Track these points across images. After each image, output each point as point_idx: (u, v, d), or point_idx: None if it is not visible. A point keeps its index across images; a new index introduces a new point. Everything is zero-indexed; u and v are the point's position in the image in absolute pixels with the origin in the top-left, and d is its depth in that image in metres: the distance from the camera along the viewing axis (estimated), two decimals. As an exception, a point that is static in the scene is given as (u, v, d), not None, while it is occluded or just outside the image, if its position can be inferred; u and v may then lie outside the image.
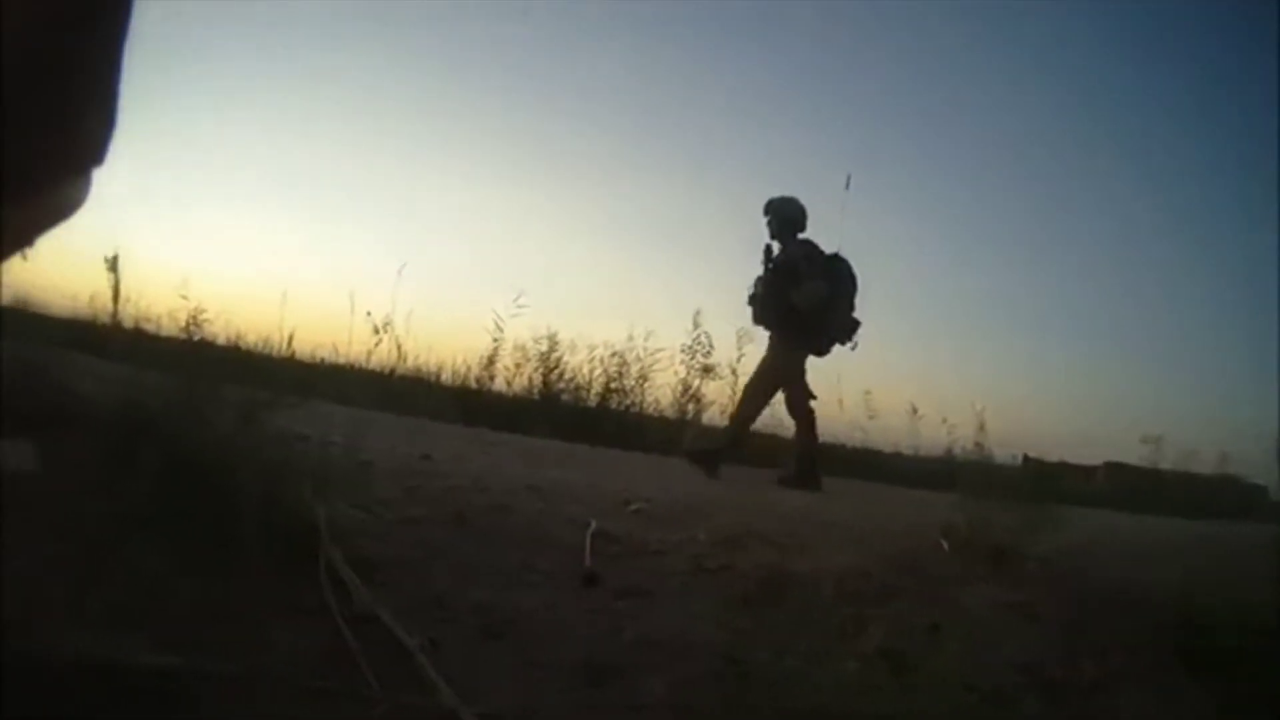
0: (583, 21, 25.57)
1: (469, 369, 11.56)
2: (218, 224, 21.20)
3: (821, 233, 7.74)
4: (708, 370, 11.30)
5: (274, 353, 9.51)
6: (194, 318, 6.11)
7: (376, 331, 10.40)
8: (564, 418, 10.48)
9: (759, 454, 8.88)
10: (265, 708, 2.51)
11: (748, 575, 3.65)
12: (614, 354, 11.48)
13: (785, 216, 7.59)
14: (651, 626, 3.10)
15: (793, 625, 3.05)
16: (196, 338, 5.66)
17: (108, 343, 6.94)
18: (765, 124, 27.29)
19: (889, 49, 26.57)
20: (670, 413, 11.43)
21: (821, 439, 10.50)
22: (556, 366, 11.36)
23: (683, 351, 11.50)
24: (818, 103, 27.27)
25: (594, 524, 4.02)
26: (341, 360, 10.64)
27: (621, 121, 28.74)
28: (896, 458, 11.28)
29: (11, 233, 0.64)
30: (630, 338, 11.57)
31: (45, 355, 4.66)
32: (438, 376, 11.32)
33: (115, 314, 8.31)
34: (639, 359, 11.54)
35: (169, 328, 7.25)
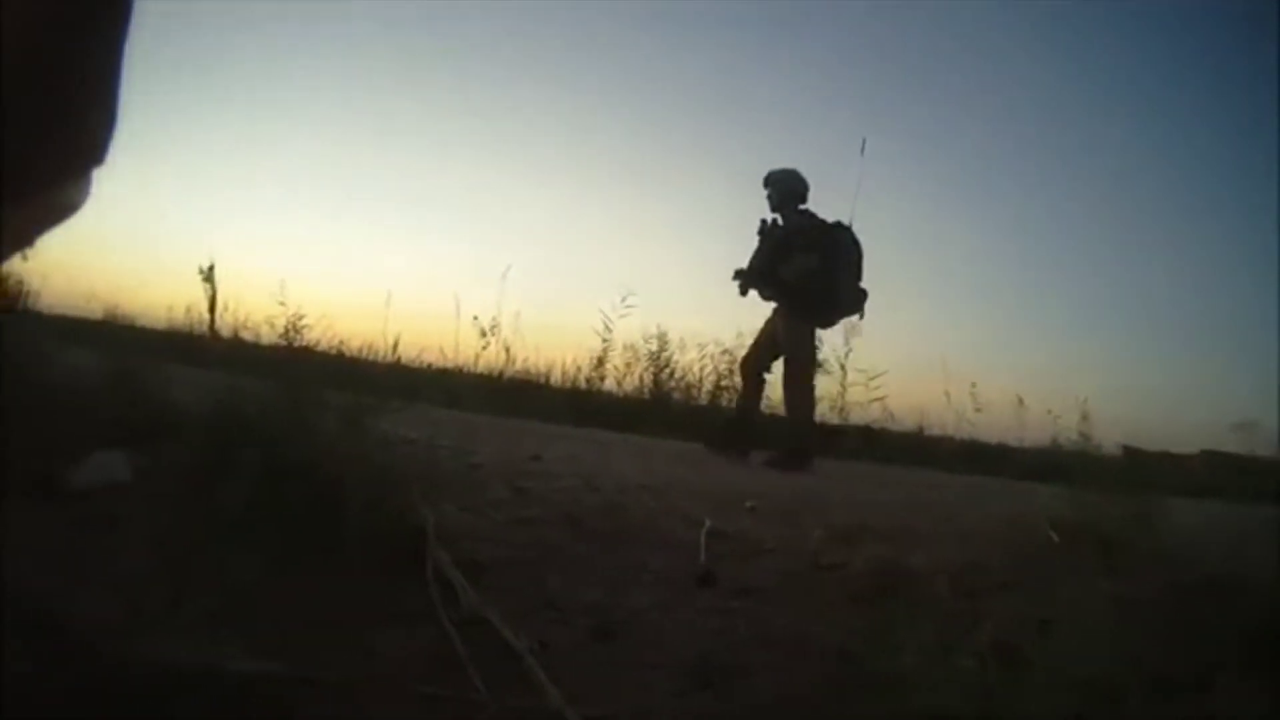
0: (676, 19, 25.43)
1: (579, 370, 11.54)
2: (317, 231, 21.60)
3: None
4: (818, 367, 10.68)
5: (379, 358, 9.62)
6: (293, 324, 6.16)
7: (483, 334, 10.46)
8: (675, 416, 10.35)
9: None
10: (370, 714, 2.50)
11: (862, 571, 3.55)
12: (724, 351, 11.26)
13: (785, 189, 7.45)
14: (766, 625, 3.04)
15: (906, 621, 2.87)
16: (296, 344, 5.68)
17: (205, 352, 7.04)
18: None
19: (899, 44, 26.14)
20: (780, 409, 10.99)
21: (930, 431, 10.94)
22: (667, 365, 11.30)
23: None
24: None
25: (709, 522, 3.89)
26: (449, 364, 10.67)
27: (719, 119, 28.50)
28: (1002, 449, 10.94)
29: (11, 233, 0.64)
30: (739, 334, 10.79)
31: (139, 366, 4.63)
32: (547, 378, 11.29)
33: (213, 323, 8.45)
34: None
35: (268, 335, 7.33)
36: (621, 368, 11.52)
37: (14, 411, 3.91)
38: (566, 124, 29.32)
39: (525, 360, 11.19)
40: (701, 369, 11.49)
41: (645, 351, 11.46)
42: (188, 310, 9.50)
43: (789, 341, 7.39)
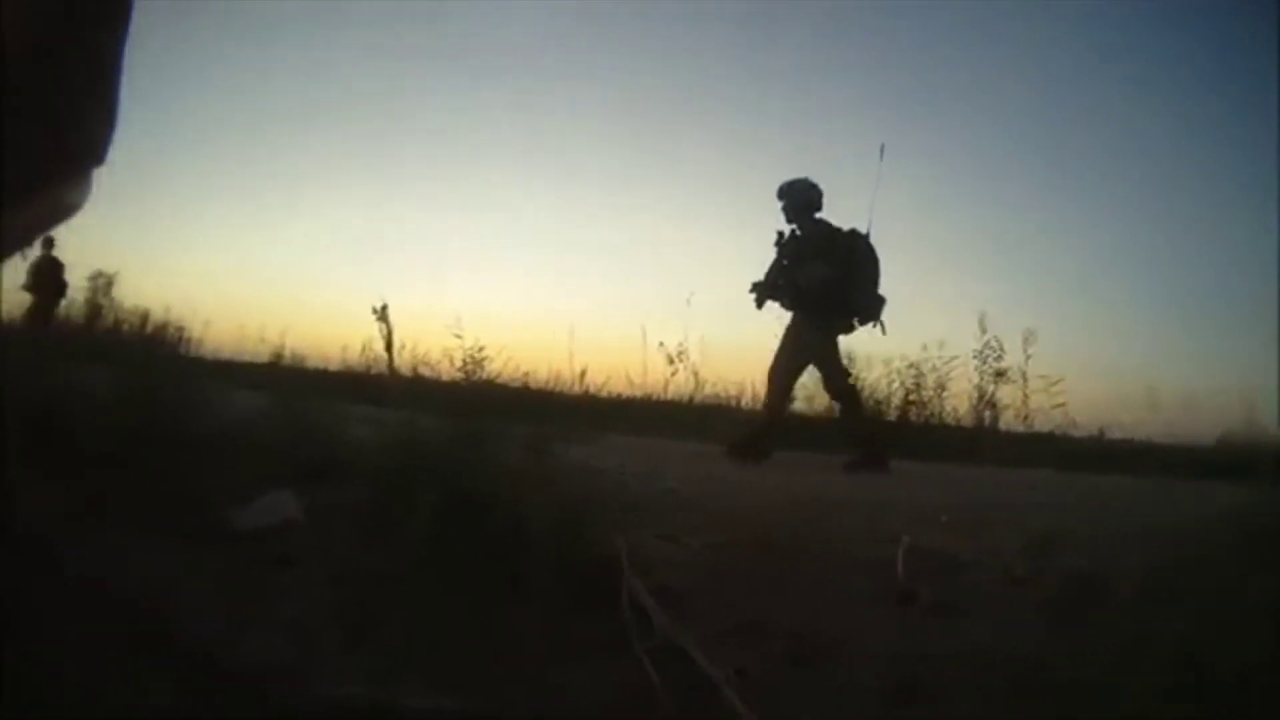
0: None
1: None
2: (496, 265, 22.37)
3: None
4: (1000, 375, 11.27)
5: (566, 389, 9.84)
6: (473, 357, 6.16)
7: (671, 361, 10.55)
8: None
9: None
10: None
11: (1056, 583, 3.45)
12: (910, 365, 11.44)
13: (799, 199, 7.63)
14: (964, 642, 2.96)
15: (1100, 633, 2.87)
16: (477, 377, 5.66)
17: (383, 389, 7.19)
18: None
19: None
20: (968, 421, 11.40)
21: (1111, 436, 10.79)
22: (855, 382, 11.03)
23: (974, 357, 11.47)
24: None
25: (907, 539, 3.82)
26: (637, 392, 10.79)
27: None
28: (1179, 448, 10.48)
29: (11, 233, 0.64)
30: (924, 347, 11.50)
31: (311, 406, 4.64)
32: (737, 401, 11.32)
33: (391, 361, 8.73)
34: (934, 369, 11.50)
35: (449, 370, 7.42)
36: (810, 386, 11.38)
37: (181, 454, 3.98)
38: (736, 151, 29.59)
39: (714, 384, 11.27)
40: (889, 385, 11.60)
41: None
42: (363, 350, 9.92)
43: (812, 350, 7.58)
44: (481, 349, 6.41)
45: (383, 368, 8.72)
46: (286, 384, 5.87)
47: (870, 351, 11.45)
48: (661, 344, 10.94)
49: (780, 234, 7.68)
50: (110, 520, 3.70)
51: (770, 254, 7.80)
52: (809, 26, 27.58)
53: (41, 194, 0.64)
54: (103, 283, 13.19)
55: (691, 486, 4.74)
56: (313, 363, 10.09)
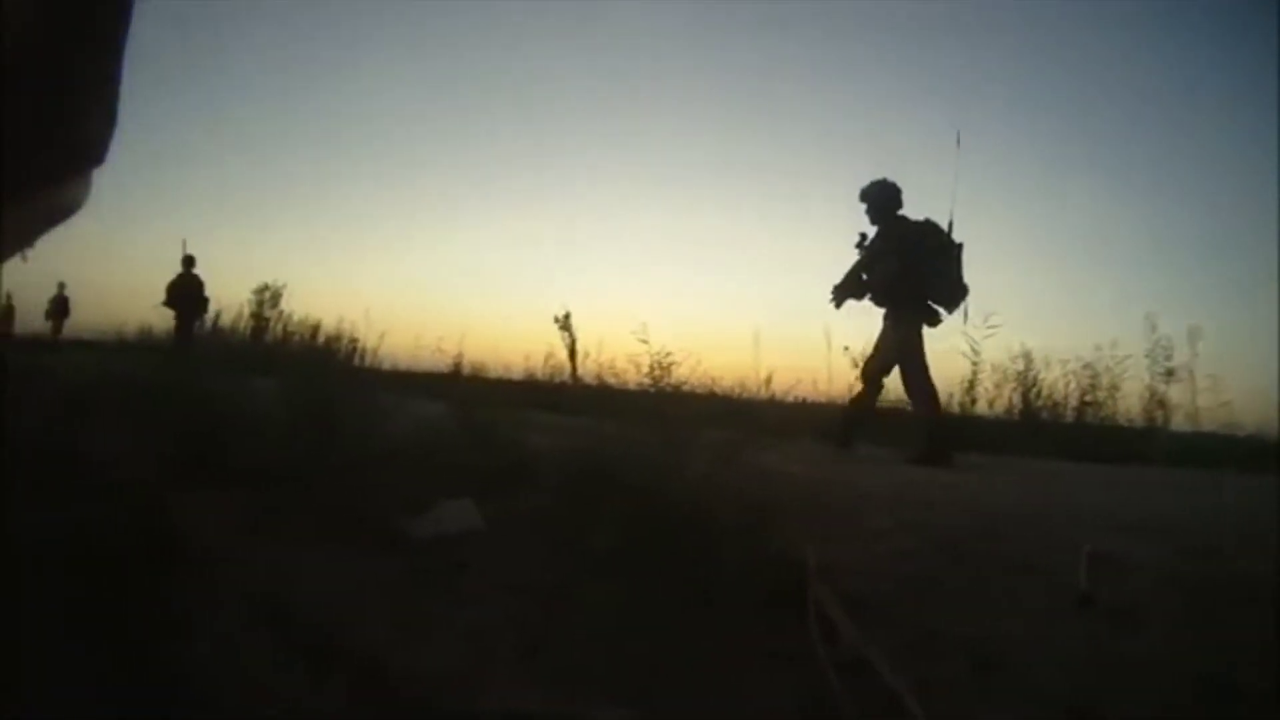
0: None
1: (951, 394, 11.51)
2: (680, 271, 22.88)
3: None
4: (1170, 374, 11.19)
5: (753, 395, 9.88)
6: (659, 363, 6.12)
7: (855, 365, 10.55)
8: (1044, 435, 10.39)
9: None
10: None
11: (1226, 586, 3.38)
12: (1085, 365, 11.47)
13: (879, 200, 7.85)
14: (1140, 648, 2.90)
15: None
16: (664, 384, 5.62)
17: (567, 397, 7.25)
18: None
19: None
20: (1140, 422, 11.32)
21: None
22: (1034, 384, 11.56)
23: (1145, 357, 11.39)
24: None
25: (1089, 545, 3.74)
26: (821, 397, 10.81)
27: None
28: None
29: (11, 233, 0.63)
30: (1097, 347, 11.48)
31: (491, 415, 4.62)
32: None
33: (574, 369, 8.82)
34: (1108, 369, 11.45)
35: (634, 378, 7.44)
36: (991, 389, 11.79)
37: (357, 466, 4.03)
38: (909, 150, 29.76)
39: (895, 389, 11.34)
40: (1066, 385, 11.61)
41: (1012, 372, 11.76)
42: (546, 358, 10.12)
43: (891, 344, 7.77)
44: (668, 354, 6.39)
45: (566, 376, 8.82)
46: (466, 393, 5.93)
47: (1049, 353, 11.63)
48: (846, 348, 10.83)
49: (862, 235, 7.94)
50: (284, 534, 3.77)
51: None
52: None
53: (41, 194, 0.64)
54: (269, 295, 13.64)
55: (877, 491, 4.63)
56: (494, 372, 10.35)
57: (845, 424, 8.00)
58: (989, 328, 10.64)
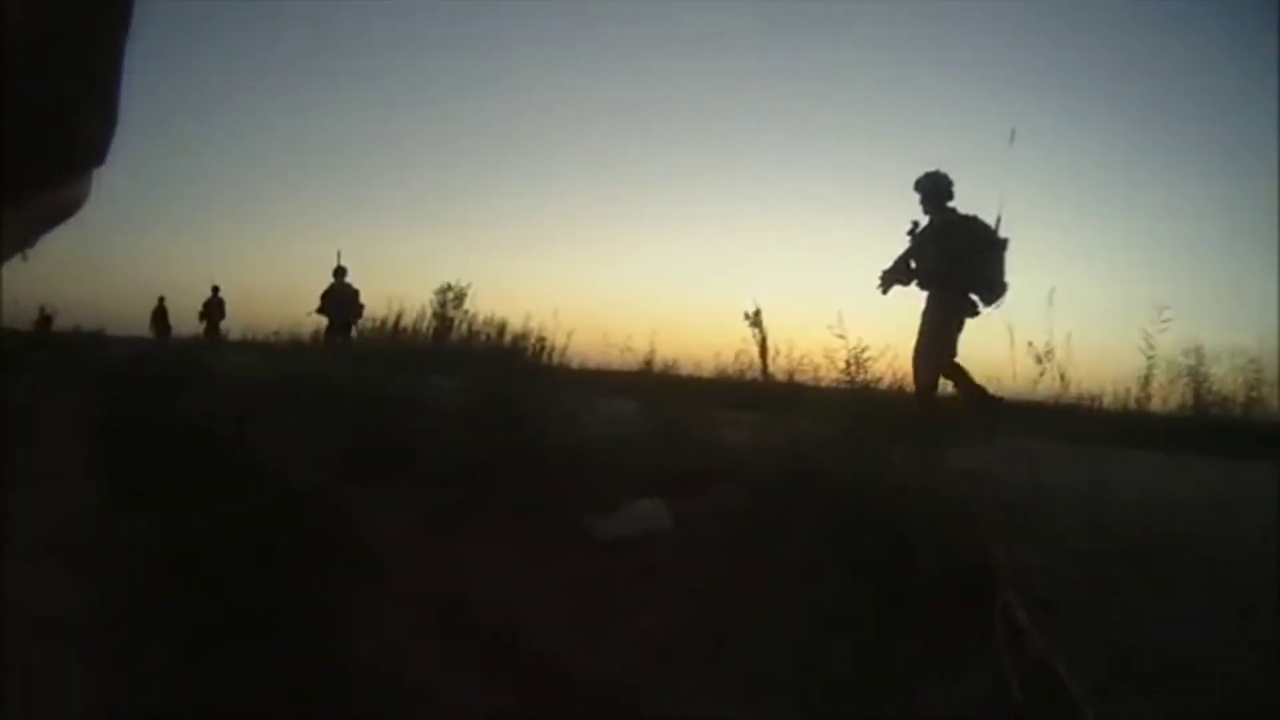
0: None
1: (1129, 390, 10.94)
2: (874, 263, 22.64)
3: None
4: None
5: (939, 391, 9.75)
6: (855, 358, 5.98)
7: (1039, 361, 10.17)
8: (1211, 432, 9.82)
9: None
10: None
11: None
12: (1250, 360, 10.55)
13: (932, 190, 7.94)
14: None
15: None
16: (860, 380, 5.48)
17: (756, 394, 7.21)
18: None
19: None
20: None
21: None
22: (1205, 380, 10.69)
23: None
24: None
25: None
26: (1005, 393, 10.62)
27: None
28: None
29: (11, 233, 0.57)
30: (1259, 340, 10.43)
31: (683, 413, 4.59)
32: (1099, 401, 11.00)
33: (765, 367, 8.77)
34: (1273, 363, 10.38)
35: (828, 374, 7.33)
36: (1165, 385, 11.04)
37: (542, 465, 4.08)
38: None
39: (1079, 384, 11.04)
40: (1234, 380, 10.71)
41: (1184, 367, 10.68)
42: (736, 356, 10.10)
43: (940, 327, 7.80)
44: (864, 349, 6.25)
45: (757, 373, 8.80)
46: (656, 391, 5.90)
47: (1217, 347, 10.83)
48: (1030, 344, 10.48)
49: (914, 224, 8.11)
50: (465, 533, 3.81)
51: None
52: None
53: (41, 194, 0.58)
54: (453, 295, 13.88)
55: (1063, 492, 4.47)
56: (684, 370, 10.33)
57: (927, 422, 7.40)
58: (1163, 321, 10.29)
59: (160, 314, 24.80)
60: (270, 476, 5.72)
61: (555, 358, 9.61)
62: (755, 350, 8.79)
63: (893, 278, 8.05)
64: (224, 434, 7.80)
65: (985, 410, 7.67)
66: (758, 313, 8.99)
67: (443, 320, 13.60)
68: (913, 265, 8.06)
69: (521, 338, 11.31)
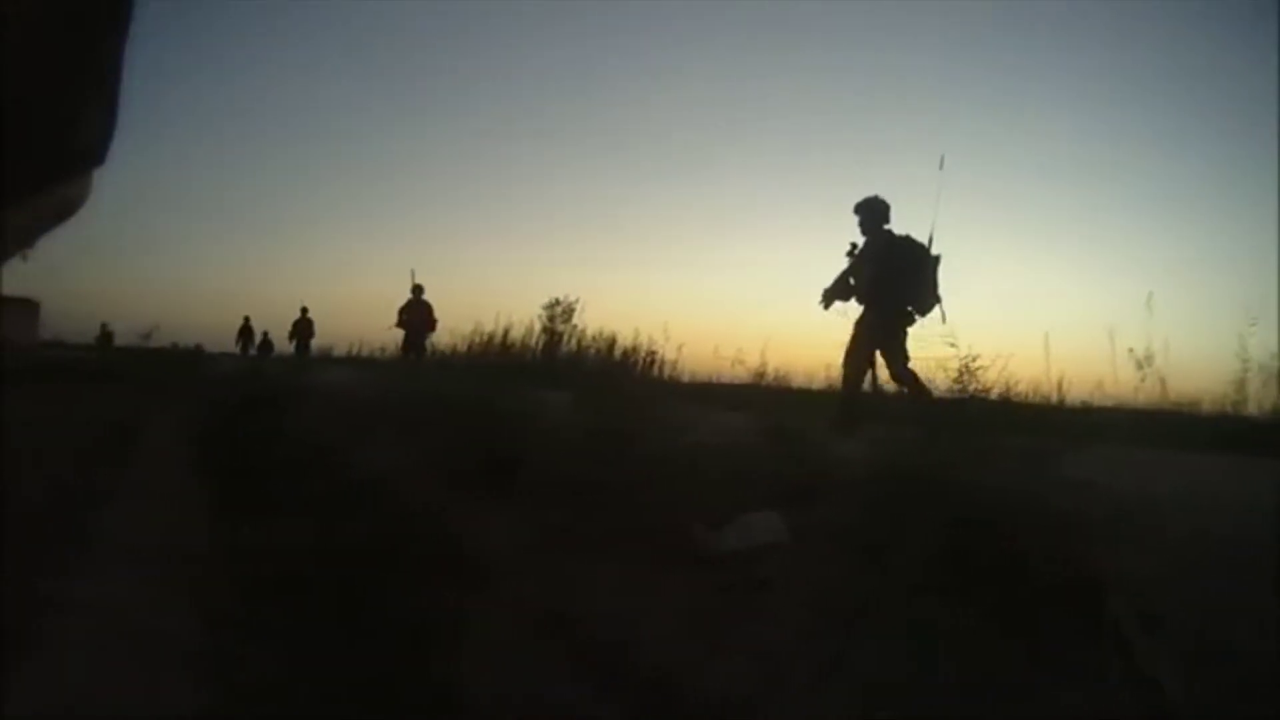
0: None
1: (1225, 396, 11.14)
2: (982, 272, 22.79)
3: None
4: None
5: (1046, 400, 9.71)
6: (966, 367, 5.90)
7: (1140, 367, 10.15)
8: None
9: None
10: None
11: None
12: None
13: (869, 214, 8.89)
14: None
15: None
16: (972, 389, 5.41)
17: (867, 405, 7.32)
18: None
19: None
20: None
21: None
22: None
23: None
24: None
25: None
26: (1106, 400, 10.54)
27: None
28: None
29: (11, 233, 0.67)
30: None
31: (796, 425, 4.55)
32: (1197, 406, 10.94)
33: (873, 376, 8.93)
34: None
35: (940, 382, 7.35)
36: (1259, 389, 11.13)
37: (653, 478, 4.07)
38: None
39: (1179, 391, 11.00)
40: None
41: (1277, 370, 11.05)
42: (827, 369, 10.26)
43: (879, 338, 8.61)
44: (975, 358, 6.18)
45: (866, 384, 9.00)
46: (767, 403, 5.90)
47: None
48: (1131, 350, 10.51)
49: (853, 245, 9.05)
50: (576, 548, 3.82)
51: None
52: None
53: (41, 194, 0.67)
54: (561, 310, 14.15)
55: (1169, 501, 4.34)
56: (795, 382, 10.40)
57: (844, 410, 8.54)
58: (1250, 325, 10.59)
59: (245, 332, 25.95)
60: (381, 491, 5.81)
61: (666, 371, 9.90)
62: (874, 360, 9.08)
63: (834, 294, 9.03)
64: (335, 447, 7.95)
65: (928, 411, 7.68)
66: None
67: (552, 335, 13.85)
68: (851, 282, 8.99)
69: (631, 351, 11.58)
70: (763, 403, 6.03)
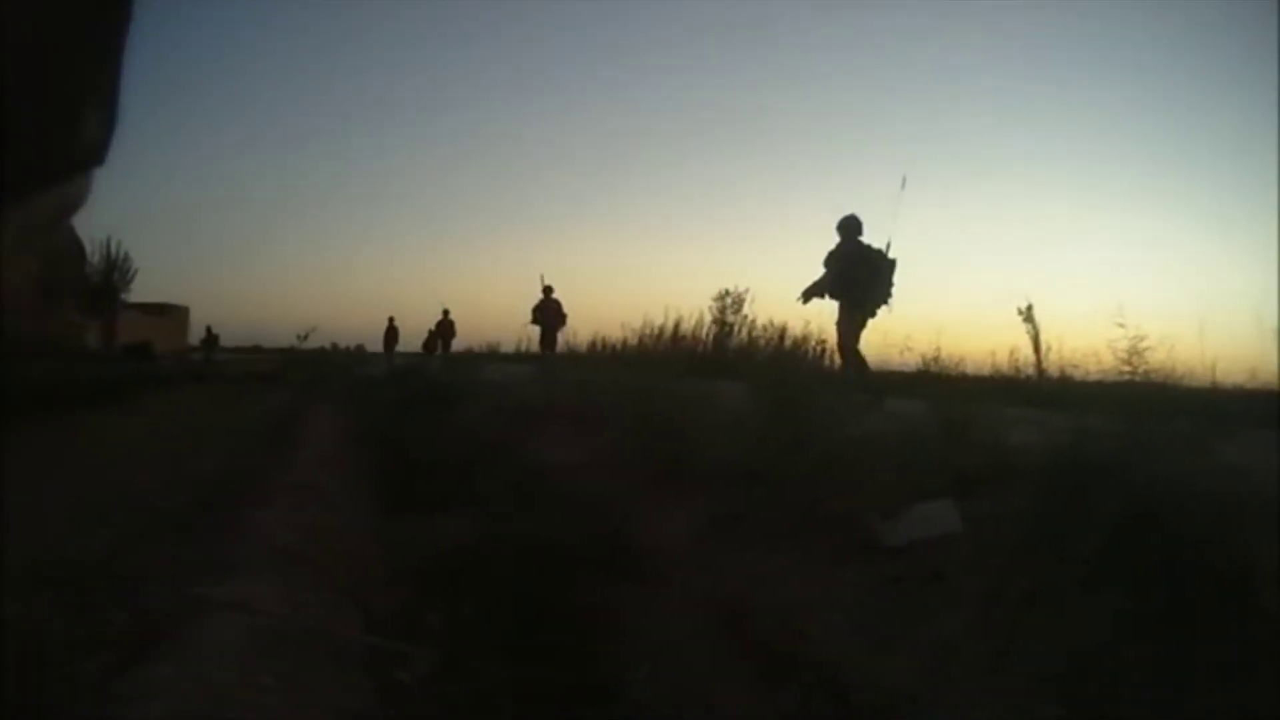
0: None
1: None
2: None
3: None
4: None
5: (1204, 384, 9.34)
6: (1134, 349, 5.71)
7: None
8: None
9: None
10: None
11: None
12: None
13: (846, 228, 10.29)
14: None
15: None
16: (1140, 371, 5.25)
17: (1034, 392, 7.13)
18: None
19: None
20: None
21: None
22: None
23: None
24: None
25: None
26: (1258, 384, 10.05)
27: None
28: None
29: (11, 233, 0.67)
30: None
31: (966, 413, 4.52)
32: None
33: (1039, 363, 8.75)
34: None
35: (1109, 364, 7.13)
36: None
37: (826, 467, 4.16)
38: None
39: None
40: None
41: None
42: (1011, 353, 10.24)
43: (842, 324, 10.07)
44: (1142, 339, 5.98)
45: (1031, 369, 8.80)
46: (937, 390, 5.82)
47: None
48: None
49: (830, 253, 10.30)
50: (748, 538, 3.90)
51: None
52: None
53: (41, 194, 0.67)
54: (731, 301, 14.17)
55: None
56: (960, 368, 10.35)
57: (858, 382, 9.56)
58: None
59: (390, 333, 27.09)
60: (554, 482, 5.95)
61: (835, 360, 10.46)
62: (1029, 346, 8.95)
63: (812, 292, 10.55)
64: (507, 441, 8.15)
65: (866, 387, 9.08)
66: (1030, 308, 9.42)
67: (722, 326, 13.95)
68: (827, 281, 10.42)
69: (801, 341, 11.88)
70: (933, 390, 5.94)
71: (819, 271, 10.13)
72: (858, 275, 10.27)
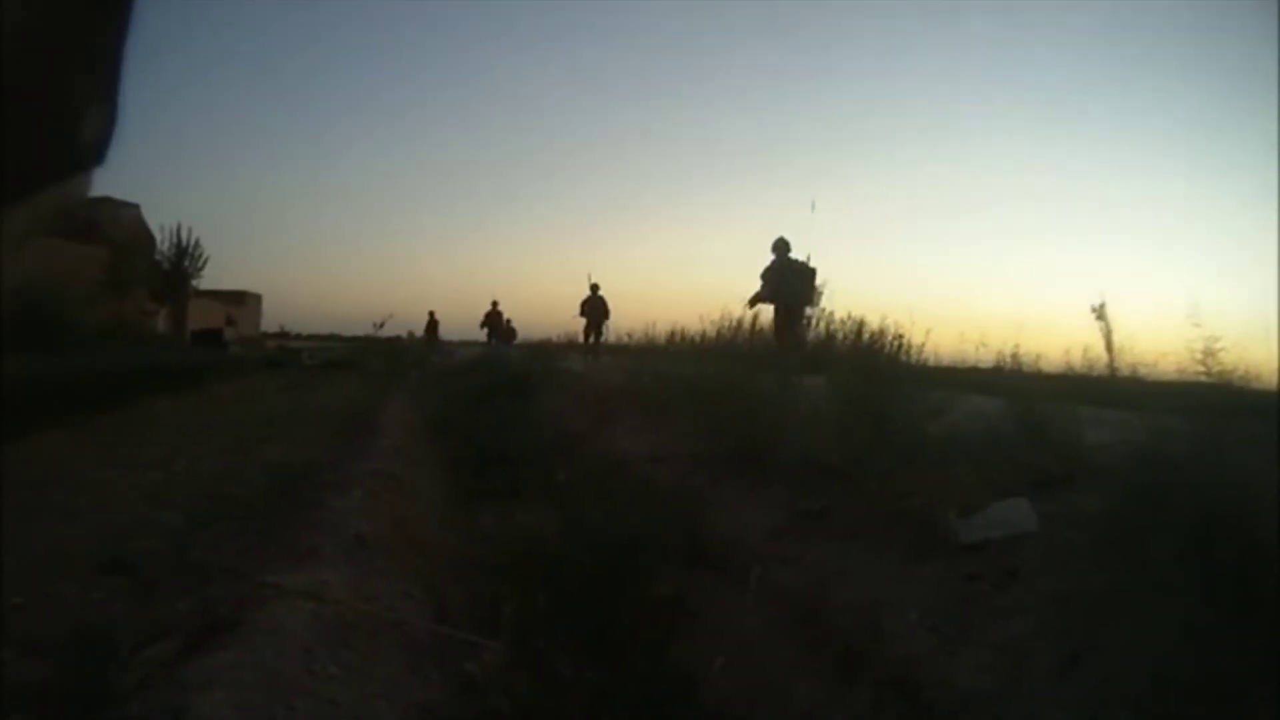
0: None
1: None
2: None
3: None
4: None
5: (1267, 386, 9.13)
6: (1209, 349, 5.68)
7: None
8: None
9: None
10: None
11: None
12: None
13: (779, 246, 12.81)
14: None
15: None
16: (1215, 371, 5.23)
17: (1106, 391, 7.06)
18: None
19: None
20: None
21: None
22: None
23: None
24: None
25: None
26: None
27: None
28: None
29: (11, 233, 0.67)
30: None
31: (1043, 410, 4.54)
32: None
33: (1111, 361, 8.68)
34: None
35: (1185, 363, 7.08)
36: None
37: (906, 464, 4.21)
38: None
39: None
40: None
41: None
42: (1084, 351, 10.05)
43: (779, 322, 12.65)
44: (1217, 339, 5.94)
45: (1103, 367, 8.71)
46: (1012, 387, 5.82)
47: None
48: None
49: (766, 268, 12.71)
50: (826, 533, 4.04)
51: None
52: None
53: (41, 194, 0.67)
54: None
55: None
56: (1042, 367, 10.23)
57: (784, 356, 11.36)
58: None
59: (432, 326, 27.77)
60: (631, 475, 6.04)
61: (913, 355, 10.21)
62: (1101, 344, 8.82)
63: (755, 300, 12.94)
64: (585, 433, 8.25)
65: (791, 359, 10.57)
66: (1102, 306, 9.16)
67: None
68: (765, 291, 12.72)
69: (879, 335, 11.95)
70: (1010, 387, 5.95)
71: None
72: (789, 284, 12.82)
